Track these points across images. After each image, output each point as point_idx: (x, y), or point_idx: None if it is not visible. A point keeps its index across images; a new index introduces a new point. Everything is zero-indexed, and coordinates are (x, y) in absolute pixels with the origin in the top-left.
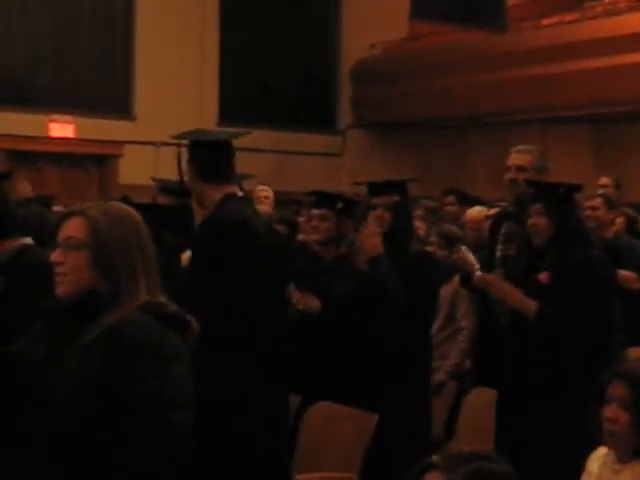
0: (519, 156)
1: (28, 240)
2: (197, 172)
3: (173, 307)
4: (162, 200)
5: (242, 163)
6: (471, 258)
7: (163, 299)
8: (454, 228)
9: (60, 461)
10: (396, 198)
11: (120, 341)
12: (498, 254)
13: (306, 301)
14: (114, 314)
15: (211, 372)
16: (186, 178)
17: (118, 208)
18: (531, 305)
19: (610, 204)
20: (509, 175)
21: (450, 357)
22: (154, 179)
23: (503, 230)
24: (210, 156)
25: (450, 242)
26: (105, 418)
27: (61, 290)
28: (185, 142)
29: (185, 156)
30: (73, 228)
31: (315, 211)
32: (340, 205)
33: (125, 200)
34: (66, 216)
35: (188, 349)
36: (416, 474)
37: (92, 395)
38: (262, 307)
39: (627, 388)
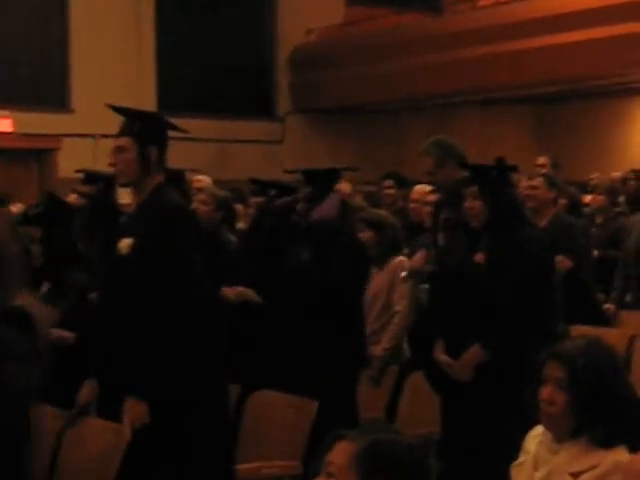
0: (422, 161)
1: None
2: (158, 155)
3: (13, 303)
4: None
5: (182, 152)
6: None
7: (14, 296)
8: (380, 212)
9: None
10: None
11: None
12: (440, 242)
13: (242, 293)
14: None
15: (162, 357)
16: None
17: None
18: (476, 350)
19: (551, 183)
20: (427, 180)
21: (381, 342)
22: (79, 171)
23: (441, 217)
24: (166, 142)
25: (375, 226)
26: None
27: None
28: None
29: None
30: None
31: (252, 199)
32: (273, 192)
33: (50, 196)
34: None
35: (31, 343)
36: (327, 444)
37: None
38: (209, 291)
39: (563, 368)
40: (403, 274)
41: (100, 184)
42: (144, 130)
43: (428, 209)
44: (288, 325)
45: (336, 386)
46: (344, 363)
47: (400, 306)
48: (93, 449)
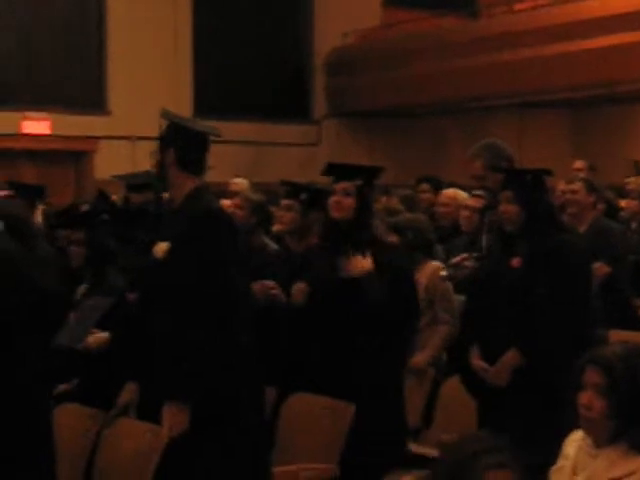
0: (472, 166)
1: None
2: (176, 158)
3: None
4: (134, 197)
5: (218, 155)
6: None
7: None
8: (409, 216)
9: None
10: (358, 183)
11: None
12: (484, 244)
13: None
14: None
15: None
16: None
17: None
18: (512, 355)
19: (590, 187)
20: (477, 184)
21: (429, 346)
22: (115, 177)
23: (486, 219)
24: (193, 145)
25: (396, 230)
26: None
27: None
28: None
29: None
30: None
31: (283, 201)
32: (304, 196)
33: (102, 195)
34: None
35: None
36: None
37: None
38: (246, 295)
39: (601, 374)
40: (443, 273)
41: (149, 193)
42: (163, 133)
43: (467, 213)
44: (326, 330)
45: (376, 390)
46: (384, 367)
47: (448, 316)
48: (130, 450)
